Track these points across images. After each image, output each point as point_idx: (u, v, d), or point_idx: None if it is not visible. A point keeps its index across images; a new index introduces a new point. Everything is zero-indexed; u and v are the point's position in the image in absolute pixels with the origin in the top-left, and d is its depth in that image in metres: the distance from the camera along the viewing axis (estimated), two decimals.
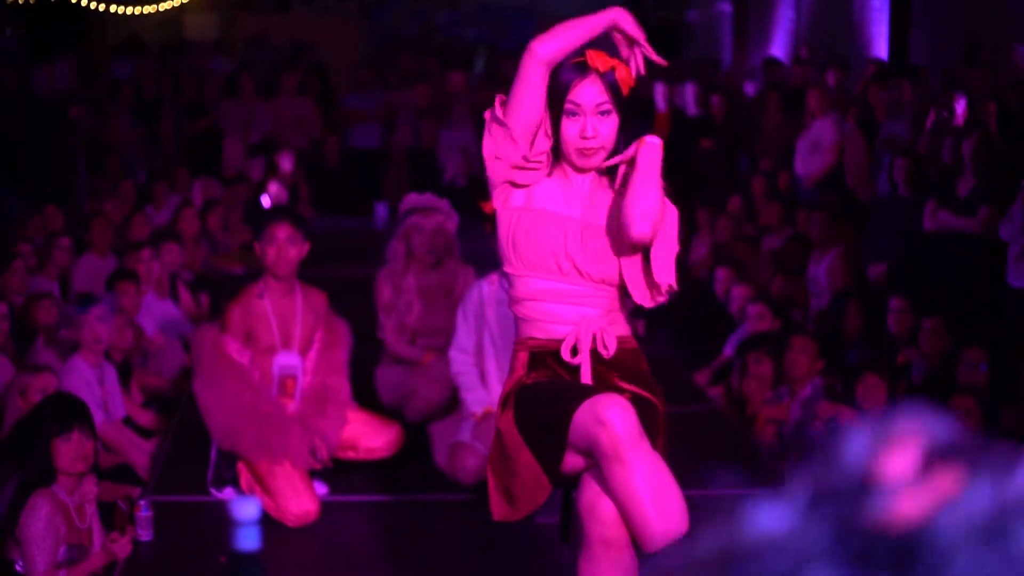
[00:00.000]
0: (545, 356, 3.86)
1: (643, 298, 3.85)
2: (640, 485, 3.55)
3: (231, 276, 10.03)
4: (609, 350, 3.83)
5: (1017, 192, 7.67)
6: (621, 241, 3.78)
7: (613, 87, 3.83)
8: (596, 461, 3.62)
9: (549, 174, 3.90)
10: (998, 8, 11.47)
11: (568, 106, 3.81)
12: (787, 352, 7.47)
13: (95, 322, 6.70)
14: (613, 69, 3.85)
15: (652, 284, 3.82)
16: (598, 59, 3.84)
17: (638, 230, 3.68)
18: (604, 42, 3.86)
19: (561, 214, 3.85)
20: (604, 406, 3.58)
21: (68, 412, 5.28)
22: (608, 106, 3.83)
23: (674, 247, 3.82)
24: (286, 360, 6.32)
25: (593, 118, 3.81)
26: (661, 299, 3.83)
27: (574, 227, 3.83)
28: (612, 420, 3.54)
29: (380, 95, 15.70)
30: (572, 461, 3.72)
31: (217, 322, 6.44)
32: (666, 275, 3.78)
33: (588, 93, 3.81)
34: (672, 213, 3.82)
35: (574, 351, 3.81)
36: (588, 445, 3.61)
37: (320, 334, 6.43)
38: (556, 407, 3.70)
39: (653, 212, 3.68)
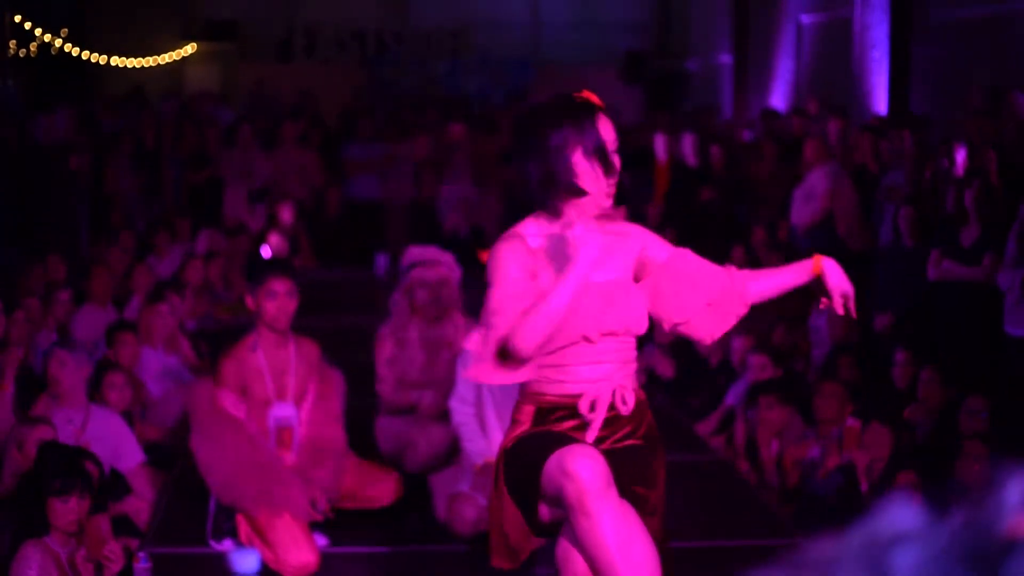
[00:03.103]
0: (553, 410, 3.80)
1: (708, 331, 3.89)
2: (606, 535, 3.51)
3: (223, 327, 10.02)
4: (628, 405, 3.78)
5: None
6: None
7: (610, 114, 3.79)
8: (565, 512, 3.59)
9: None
10: (998, 58, 11.50)
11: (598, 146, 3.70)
12: (817, 397, 7.47)
13: (56, 365, 6.65)
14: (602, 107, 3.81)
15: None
16: (594, 98, 3.80)
17: (709, 340, 3.90)
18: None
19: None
20: (571, 457, 3.53)
21: (68, 471, 5.26)
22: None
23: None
24: (281, 412, 6.29)
25: (614, 157, 3.73)
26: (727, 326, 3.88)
27: (588, 295, 3.75)
28: (578, 471, 3.50)
29: (380, 146, 15.74)
30: (545, 512, 3.70)
31: (211, 377, 6.41)
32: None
33: (609, 131, 3.74)
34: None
35: (592, 407, 3.77)
36: (556, 496, 3.58)
37: (314, 384, 6.40)
38: (533, 458, 3.66)
39: (710, 325, 3.82)
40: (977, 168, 8.57)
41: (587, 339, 3.73)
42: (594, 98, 3.77)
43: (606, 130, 3.71)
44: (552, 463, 3.56)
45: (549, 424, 3.77)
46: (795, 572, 1.03)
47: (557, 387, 3.79)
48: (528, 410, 3.83)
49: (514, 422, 3.87)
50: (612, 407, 3.77)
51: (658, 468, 3.81)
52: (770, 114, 14.16)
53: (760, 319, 9.97)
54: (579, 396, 3.76)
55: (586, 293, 3.69)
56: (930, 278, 8.38)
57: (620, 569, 3.52)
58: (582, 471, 3.49)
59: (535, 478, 3.62)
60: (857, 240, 10.06)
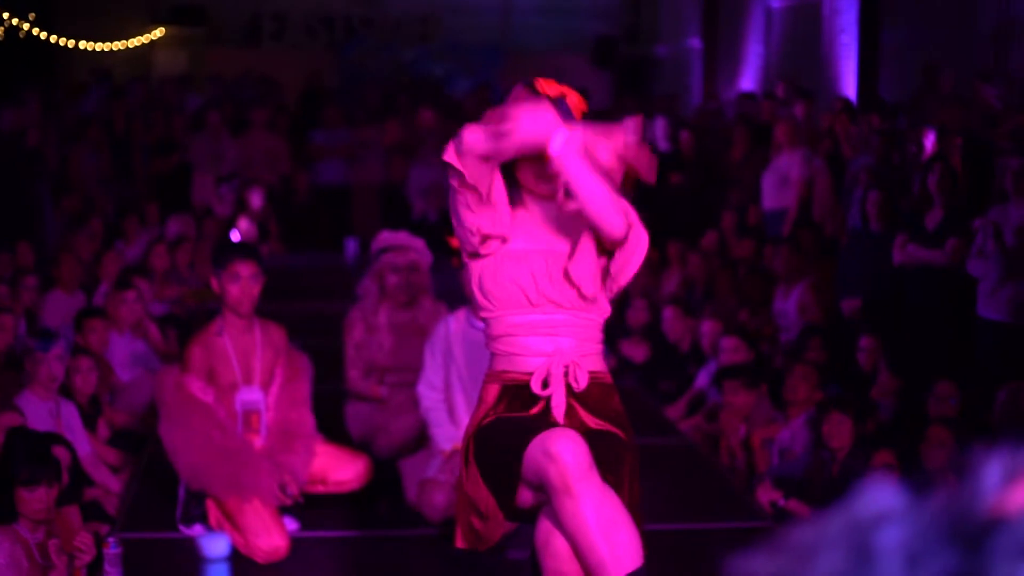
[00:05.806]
0: (516, 390, 3.83)
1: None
2: (589, 518, 3.53)
3: (191, 312, 9.99)
4: (580, 383, 3.79)
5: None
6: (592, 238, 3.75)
7: (566, 112, 3.75)
8: (548, 496, 3.60)
9: (513, 207, 3.84)
10: (963, 43, 11.55)
11: None
12: (788, 378, 7.50)
13: (54, 360, 6.61)
14: (564, 96, 3.82)
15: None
16: (548, 86, 3.82)
17: (612, 233, 3.66)
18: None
19: (524, 249, 3.81)
20: (553, 440, 3.57)
21: (36, 459, 5.24)
22: None
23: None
24: (248, 396, 6.28)
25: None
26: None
27: (539, 258, 3.80)
28: (561, 453, 3.53)
29: (346, 132, 15.69)
30: (526, 496, 3.71)
31: (178, 363, 6.39)
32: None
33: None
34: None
35: (544, 384, 3.79)
36: (539, 479, 3.60)
37: (281, 368, 6.39)
38: (510, 443, 3.68)
39: (610, 208, 3.64)
40: (940, 152, 8.61)
41: (528, 299, 3.77)
42: (543, 85, 3.81)
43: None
44: (534, 446, 3.59)
45: (515, 410, 3.79)
46: (775, 556, 1.04)
47: (513, 362, 3.83)
48: (493, 389, 3.86)
49: (480, 401, 3.90)
50: (567, 386, 3.78)
51: (624, 453, 3.82)
52: (742, 98, 14.19)
53: (725, 304, 10.02)
54: (535, 372, 3.78)
55: (520, 257, 3.78)
56: (895, 262, 8.42)
57: (602, 550, 3.54)
58: (565, 453, 3.52)
59: (514, 463, 3.64)
60: (832, 224, 10.10)
